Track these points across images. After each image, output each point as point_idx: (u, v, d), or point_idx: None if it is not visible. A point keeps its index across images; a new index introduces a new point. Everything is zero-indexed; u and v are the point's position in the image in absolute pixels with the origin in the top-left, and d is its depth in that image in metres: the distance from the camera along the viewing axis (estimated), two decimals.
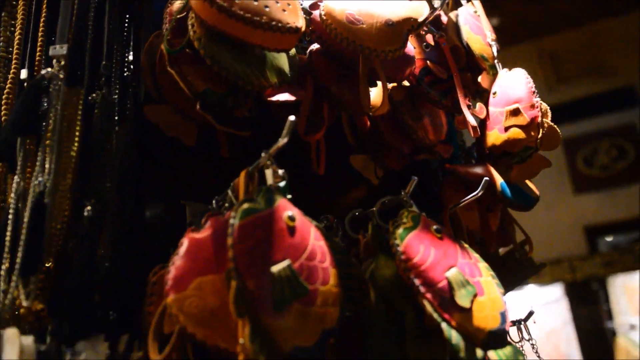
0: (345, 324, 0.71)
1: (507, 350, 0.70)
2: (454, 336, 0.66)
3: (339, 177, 1.09)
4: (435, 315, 0.67)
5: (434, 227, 0.75)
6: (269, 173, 0.70)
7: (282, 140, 0.68)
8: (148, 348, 0.68)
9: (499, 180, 1.07)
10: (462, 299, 0.68)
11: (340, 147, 1.05)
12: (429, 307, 0.67)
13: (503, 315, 0.72)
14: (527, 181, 1.16)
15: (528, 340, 1.07)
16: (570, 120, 4.64)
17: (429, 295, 0.68)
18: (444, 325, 0.67)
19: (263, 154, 0.70)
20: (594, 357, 4.22)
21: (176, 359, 0.66)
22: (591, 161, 4.78)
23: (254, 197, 0.67)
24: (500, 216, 1.16)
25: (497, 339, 0.69)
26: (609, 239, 4.76)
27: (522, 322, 1.08)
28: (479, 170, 1.07)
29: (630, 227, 4.61)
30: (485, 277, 0.75)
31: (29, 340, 0.69)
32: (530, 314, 1.09)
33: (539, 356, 1.09)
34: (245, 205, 0.65)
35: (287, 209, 0.67)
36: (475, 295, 0.70)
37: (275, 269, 0.62)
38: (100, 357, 0.71)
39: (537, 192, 1.15)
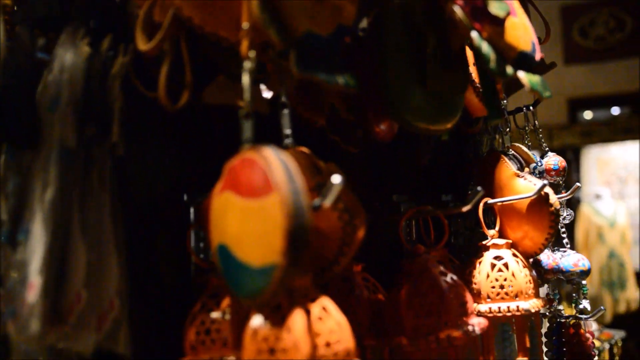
0: (362, 45, 0.63)
1: (537, 78, 0.63)
2: (484, 47, 0.59)
3: None
4: (465, 22, 0.59)
5: None
6: None
7: None
8: (136, 39, 0.59)
9: None
10: (496, 8, 0.60)
11: None
12: (459, 13, 0.59)
13: (534, 45, 0.65)
14: None
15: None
16: None
17: (460, 1, 0.59)
18: (474, 34, 0.59)
19: None
20: None
21: (167, 50, 0.58)
22: (587, 32, 4.64)
23: None
24: None
25: (528, 61, 0.62)
26: (590, 114, 4.76)
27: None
28: None
29: (615, 101, 4.61)
30: (518, 7, 0.67)
31: None
32: None
33: None
34: None
35: None
36: (508, 13, 0.62)
37: None
38: (79, 57, 0.62)
39: None
